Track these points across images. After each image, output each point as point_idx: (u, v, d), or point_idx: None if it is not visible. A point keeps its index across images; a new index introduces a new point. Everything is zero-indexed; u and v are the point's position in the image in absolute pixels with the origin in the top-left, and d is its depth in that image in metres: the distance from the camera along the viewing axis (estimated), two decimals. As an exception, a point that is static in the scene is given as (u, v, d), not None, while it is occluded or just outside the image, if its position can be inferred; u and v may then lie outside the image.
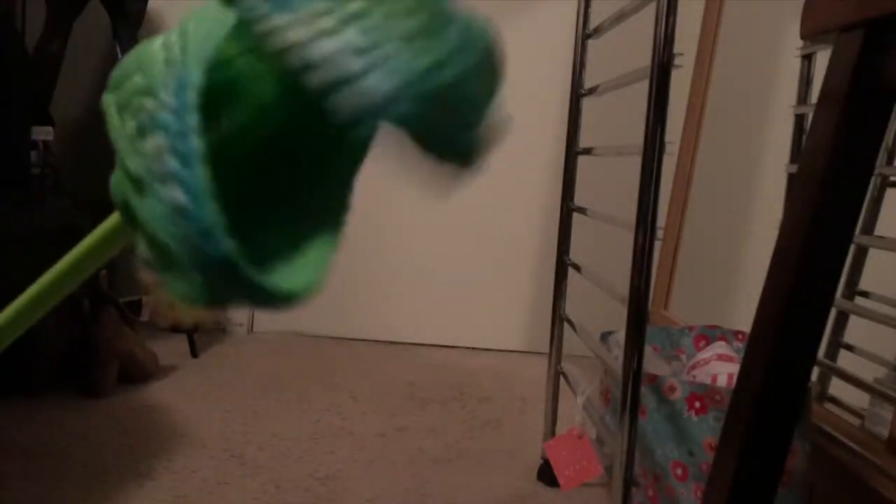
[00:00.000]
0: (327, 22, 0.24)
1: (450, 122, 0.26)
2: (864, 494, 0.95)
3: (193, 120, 0.25)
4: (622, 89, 1.10)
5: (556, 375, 1.31)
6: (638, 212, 0.92)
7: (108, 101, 0.28)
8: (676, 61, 0.90)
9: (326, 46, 0.24)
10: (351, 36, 0.24)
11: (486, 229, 2.12)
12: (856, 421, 1.14)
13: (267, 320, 2.13)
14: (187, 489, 1.16)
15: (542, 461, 1.27)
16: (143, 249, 0.27)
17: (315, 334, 2.09)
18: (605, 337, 1.21)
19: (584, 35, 1.26)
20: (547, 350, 1.32)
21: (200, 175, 0.25)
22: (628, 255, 0.93)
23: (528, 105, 2.01)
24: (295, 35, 0.24)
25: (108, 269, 1.65)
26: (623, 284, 0.94)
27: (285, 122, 0.28)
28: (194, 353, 1.83)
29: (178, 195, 0.25)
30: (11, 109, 1.39)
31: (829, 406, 1.20)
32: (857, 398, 1.19)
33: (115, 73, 0.28)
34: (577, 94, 1.28)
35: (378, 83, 0.24)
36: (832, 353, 1.26)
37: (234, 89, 0.28)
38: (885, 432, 1.02)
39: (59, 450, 1.27)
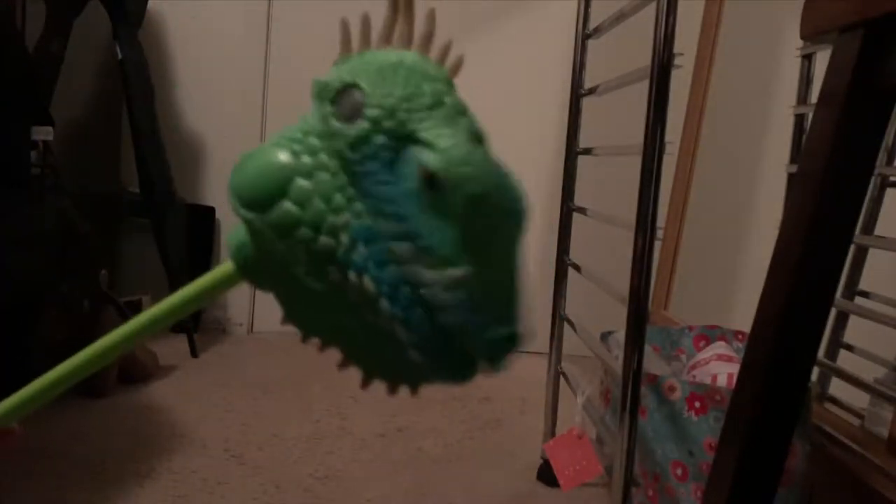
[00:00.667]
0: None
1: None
2: (864, 494, 0.95)
3: (398, 273, 0.29)
4: (622, 89, 1.10)
5: (556, 375, 1.31)
6: (638, 212, 0.92)
7: (257, 221, 0.29)
8: (676, 61, 0.90)
9: (446, 291, 0.28)
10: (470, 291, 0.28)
11: (486, 229, 2.12)
12: (856, 421, 1.14)
13: (267, 320, 2.13)
14: (187, 489, 1.16)
15: (542, 461, 1.27)
16: (364, 362, 0.32)
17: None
18: (605, 337, 1.21)
19: (584, 35, 1.26)
20: (547, 350, 1.32)
21: (420, 317, 0.29)
22: (628, 255, 0.93)
23: (528, 105, 2.01)
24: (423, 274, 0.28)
25: (109, 269, 1.65)
26: (623, 284, 0.94)
27: None
28: (194, 353, 1.83)
29: (404, 337, 0.29)
30: (11, 109, 1.39)
31: (829, 406, 1.20)
32: (857, 398, 1.19)
33: (246, 189, 0.30)
34: (577, 94, 1.28)
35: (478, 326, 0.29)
36: (832, 353, 1.26)
37: None
38: (885, 432, 1.02)
39: (59, 450, 1.27)
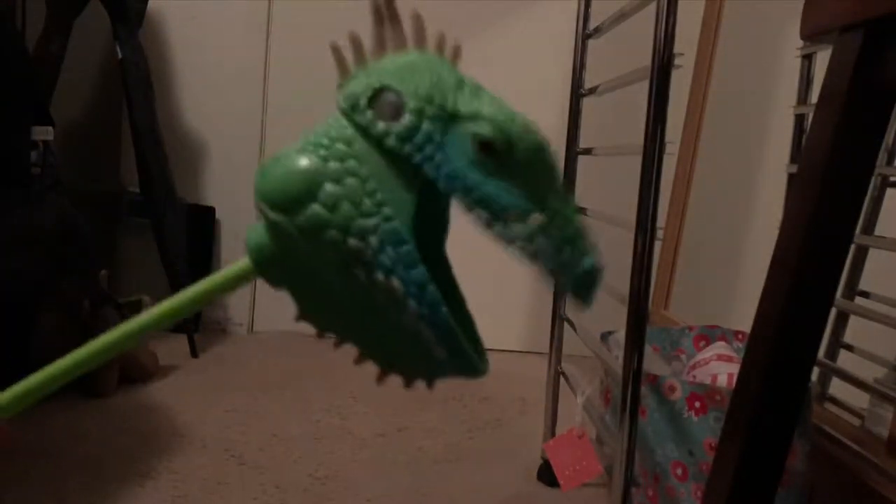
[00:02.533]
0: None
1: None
2: (864, 494, 0.95)
3: (423, 272, 0.31)
4: (622, 89, 1.10)
5: (556, 375, 1.31)
6: (638, 212, 0.92)
7: (286, 224, 0.31)
8: (676, 61, 0.90)
9: (536, 243, 0.31)
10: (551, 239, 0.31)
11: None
12: (856, 421, 1.14)
13: (267, 320, 2.13)
14: (187, 489, 1.16)
15: (542, 461, 1.27)
16: (378, 357, 0.34)
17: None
18: (605, 337, 1.21)
19: (584, 35, 1.26)
20: (547, 350, 1.32)
21: (445, 316, 0.31)
22: (628, 255, 0.93)
23: (528, 105, 1.99)
24: (515, 231, 0.31)
25: (109, 269, 1.65)
26: (623, 284, 0.94)
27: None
28: (194, 353, 1.83)
29: (429, 335, 0.31)
30: (11, 109, 1.39)
31: (829, 406, 1.20)
32: (857, 398, 1.19)
33: (274, 193, 0.31)
34: (577, 94, 1.28)
35: (566, 264, 0.32)
36: (832, 353, 1.26)
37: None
38: (885, 432, 1.02)
39: (59, 450, 1.27)
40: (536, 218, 0.30)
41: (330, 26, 2.15)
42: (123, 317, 1.61)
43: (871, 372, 1.20)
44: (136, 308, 1.69)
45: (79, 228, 1.54)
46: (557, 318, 1.30)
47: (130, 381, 1.59)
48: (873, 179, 1.25)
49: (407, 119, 0.31)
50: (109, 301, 1.59)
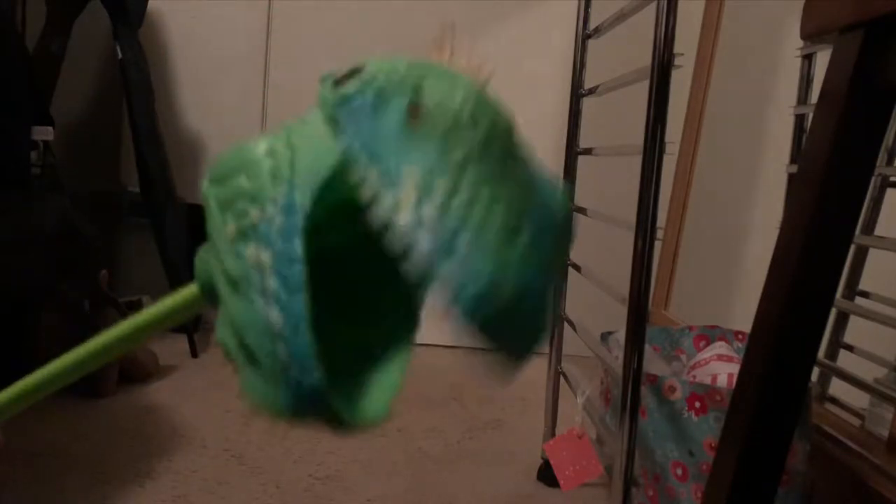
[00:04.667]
0: (421, 199, 0.25)
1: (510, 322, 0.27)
2: (864, 494, 0.95)
3: (300, 247, 0.26)
4: (622, 89, 1.10)
5: (556, 375, 1.31)
6: (638, 212, 0.92)
7: (209, 193, 0.29)
8: (676, 61, 0.90)
9: (407, 220, 0.25)
10: (441, 221, 0.25)
11: (486, 229, 2.12)
12: (856, 421, 1.14)
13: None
14: (187, 489, 1.16)
15: (542, 461, 1.27)
16: (225, 335, 0.28)
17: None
18: (605, 337, 1.21)
19: (584, 35, 1.26)
20: (547, 350, 1.32)
21: (301, 304, 0.25)
22: (628, 255, 0.93)
23: (528, 105, 2.01)
24: (387, 203, 0.25)
25: (109, 269, 1.65)
26: (623, 284, 0.94)
27: (364, 253, 0.29)
28: (194, 353, 1.83)
29: (276, 317, 0.26)
30: (11, 109, 1.39)
31: (829, 406, 1.20)
32: (857, 398, 1.19)
33: (218, 168, 0.29)
34: (577, 94, 1.28)
35: (449, 273, 0.24)
36: (832, 353, 1.26)
37: (328, 215, 0.28)
38: (885, 432, 1.02)
39: (59, 450, 1.27)
40: (435, 186, 0.24)
41: (330, 26, 2.15)
42: (124, 317, 1.60)
43: (871, 372, 1.20)
44: (137, 308, 1.69)
45: (79, 228, 1.54)
46: (557, 318, 1.30)
47: (130, 381, 1.59)
48: (873, 179, 1.25)
49: (352, 85, 0.27)
50: (109, 301, 1.59)
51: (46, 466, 1.20)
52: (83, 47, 1.87)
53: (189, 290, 0.31)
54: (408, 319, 0.31)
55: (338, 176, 0.27)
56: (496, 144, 0.27)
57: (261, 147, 0.28)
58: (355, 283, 0.30)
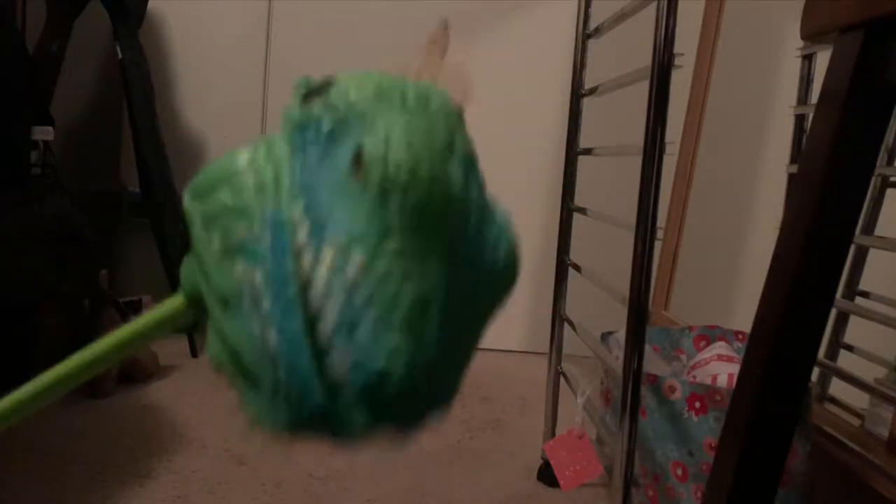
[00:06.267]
0: (328, 268, 0.25)
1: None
2: (864, 494, 0.95)
3: (292, 265, 0.25)
4: (622, 89, 1.10)
5: (556, 375, 1.31)
6: (638, 212, 0.92)
7: (192, 208, 0.28)
8: (676, 61, 0.90)
9: (320, 287, 0.25)
10: (350, 296, 0.24)
11: (486, 229, 2.12)
12: (856, 421, 1.14)
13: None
14: (187, 489, 1.16)
15: (542, 461, 1.27)
16: (216, 350, 0.27)
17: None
18: (605, 337, 1.21)
19: (584, 35, 1.26)
20: (547, 350, 1.32)
21: (300, 325, 0.25)
22: (628, 256, 0.93)
23: (528, 105, 2.01)
24: (308, 259, 0.25)
25: (109, 269, 1.65)
26: (623, 284, 0.94)
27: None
28: (194, 353, 1.83)
29: (273, 339, 0.25)
30: (11, 109, 1.39)
31: (829, 406, 1.20)
32: (857, 398, 1.19)
33: (199, 181, 0.28)
34: (577, 94, 1.28)
35: (347, 350, 0.25)
36: (832, 353, 1.26)
37: None
38: (885, 432, 1.02)
39: (59, 449, 1.27)
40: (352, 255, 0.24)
41: (330, 26, 2.15)
42: (124, 317, 1.61)
43: (871, 372, 1.20)
44: (137, 308, 1.69)
45: (79, 228, 1.54)
46: (557, 318, 1.30)
47: (130, 381, 1.59)
48: (873, 179, 1.25)
49: (316, 105, 0.27)
50: (109, 301, 1.59)
51: (46, 466, 1.20)
52: (83, 47, 1.87)
53: (175, 301, 0.30)
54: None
55: None
56: (431, 206, 0.26)
57: (242, 159, 0.28)
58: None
